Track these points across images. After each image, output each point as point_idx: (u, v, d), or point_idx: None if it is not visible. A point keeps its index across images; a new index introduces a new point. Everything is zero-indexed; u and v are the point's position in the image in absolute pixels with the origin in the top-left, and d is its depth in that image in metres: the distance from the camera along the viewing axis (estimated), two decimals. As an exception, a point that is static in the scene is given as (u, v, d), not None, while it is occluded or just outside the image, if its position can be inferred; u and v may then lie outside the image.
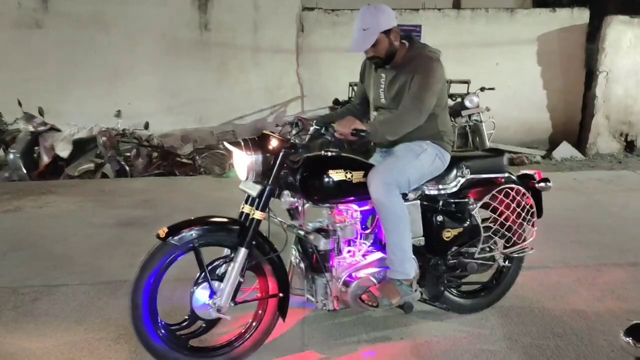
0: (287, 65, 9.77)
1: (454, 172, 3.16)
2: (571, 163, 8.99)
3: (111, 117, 8.43)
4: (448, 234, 3.11)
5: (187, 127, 9.53)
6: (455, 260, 3.20)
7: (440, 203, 3.13)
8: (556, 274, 4.11)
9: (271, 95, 9.84)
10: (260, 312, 2.93)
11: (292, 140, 2.80)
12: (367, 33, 2.92)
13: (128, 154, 8.17)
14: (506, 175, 3.30)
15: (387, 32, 2.94)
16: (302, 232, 2.96)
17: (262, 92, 9.82)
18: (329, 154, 2.93)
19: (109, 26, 9.44)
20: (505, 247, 3.25)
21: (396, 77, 3.02)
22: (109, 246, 4.78)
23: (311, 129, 2.91)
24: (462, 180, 3.16)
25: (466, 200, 3.14)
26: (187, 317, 2.81)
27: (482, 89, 7.94)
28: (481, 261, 3.22)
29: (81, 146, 8.15)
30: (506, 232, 3.21)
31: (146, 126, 8.33)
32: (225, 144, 2.88)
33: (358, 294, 2.95)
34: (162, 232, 2.64)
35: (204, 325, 2.85)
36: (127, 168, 8.01)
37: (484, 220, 3.14)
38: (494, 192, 3.14)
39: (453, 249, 3.18)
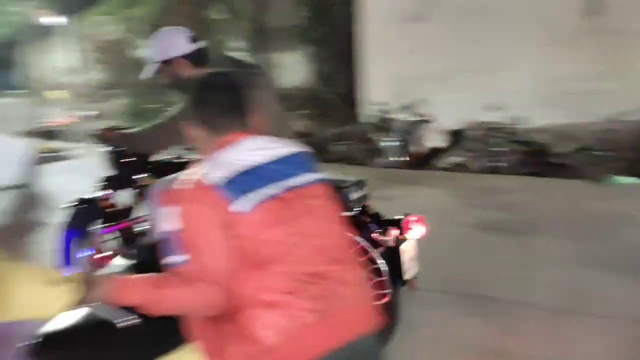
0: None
1: None
2: None
3: (486, 109, 8.32)
4: None
5: (565, 122, 8.74)
6: None
7: None
8: None
9: (674, 88, 8.30)
10: None
11: None
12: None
13: (498, 149, 7.94)
14: None
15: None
16: None
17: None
18: None
19: (493, 15, 9.23)
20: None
21: None
22: (461, 250, 4.62)
23: None
24: None
25: None
26: None
27: None
28: None
29: (454, 138, 8.28)
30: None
31: (516, 121, 7.94)
32: None
33: None
34: None
35: None
36: (497, 164, 7.77)
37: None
38: None
39: None
